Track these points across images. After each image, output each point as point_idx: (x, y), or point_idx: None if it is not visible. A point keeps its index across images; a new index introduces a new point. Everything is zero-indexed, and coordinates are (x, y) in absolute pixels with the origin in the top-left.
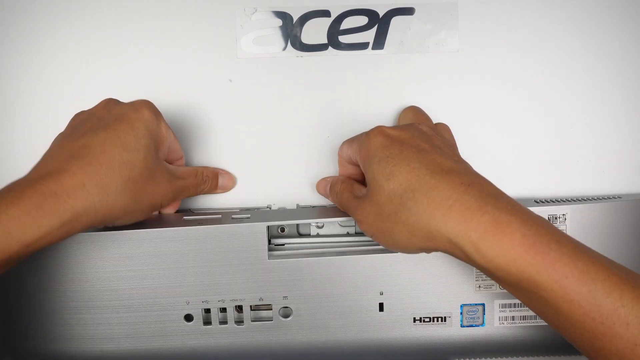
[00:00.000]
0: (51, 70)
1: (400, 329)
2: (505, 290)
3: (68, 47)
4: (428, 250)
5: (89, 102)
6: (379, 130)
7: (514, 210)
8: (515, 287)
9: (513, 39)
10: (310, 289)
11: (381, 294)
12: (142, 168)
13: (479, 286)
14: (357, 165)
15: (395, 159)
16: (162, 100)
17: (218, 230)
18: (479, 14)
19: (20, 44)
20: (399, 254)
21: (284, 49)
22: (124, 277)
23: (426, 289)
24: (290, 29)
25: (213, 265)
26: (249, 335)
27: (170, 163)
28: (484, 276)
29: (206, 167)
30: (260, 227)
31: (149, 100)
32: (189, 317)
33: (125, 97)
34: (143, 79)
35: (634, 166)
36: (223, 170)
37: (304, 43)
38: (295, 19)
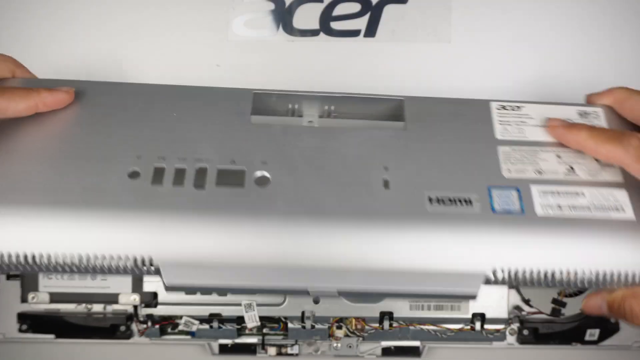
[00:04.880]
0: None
1: (412, 209)
2: (542, 177)
3: (53, 22)
4: None
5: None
6: None
7: None
8: None
9: (505, 31)
10: (297, 157)
11: (386, 169)
12: None
13: (509, 170)
14: None
15: None
16: (149, 78)
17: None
18: (471, 5)
19: None
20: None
21: (276, 33)
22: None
23: (439, 168)
24: (283, 13)
25: (179, 119)
26: (210, 202)
27: None
28: (512, 159)
29: None
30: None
31: None
32: (134, 174)
33: (112, 77)
34: (131, 57)
35: None
36: None
37: (295, 28)
38: (287, 3)
